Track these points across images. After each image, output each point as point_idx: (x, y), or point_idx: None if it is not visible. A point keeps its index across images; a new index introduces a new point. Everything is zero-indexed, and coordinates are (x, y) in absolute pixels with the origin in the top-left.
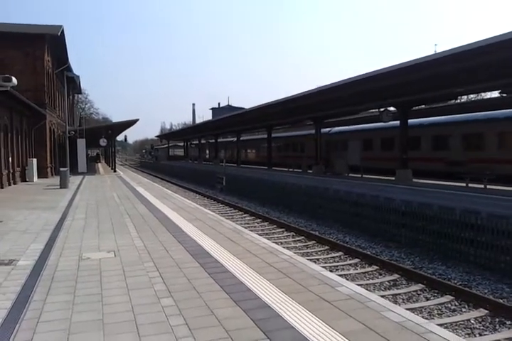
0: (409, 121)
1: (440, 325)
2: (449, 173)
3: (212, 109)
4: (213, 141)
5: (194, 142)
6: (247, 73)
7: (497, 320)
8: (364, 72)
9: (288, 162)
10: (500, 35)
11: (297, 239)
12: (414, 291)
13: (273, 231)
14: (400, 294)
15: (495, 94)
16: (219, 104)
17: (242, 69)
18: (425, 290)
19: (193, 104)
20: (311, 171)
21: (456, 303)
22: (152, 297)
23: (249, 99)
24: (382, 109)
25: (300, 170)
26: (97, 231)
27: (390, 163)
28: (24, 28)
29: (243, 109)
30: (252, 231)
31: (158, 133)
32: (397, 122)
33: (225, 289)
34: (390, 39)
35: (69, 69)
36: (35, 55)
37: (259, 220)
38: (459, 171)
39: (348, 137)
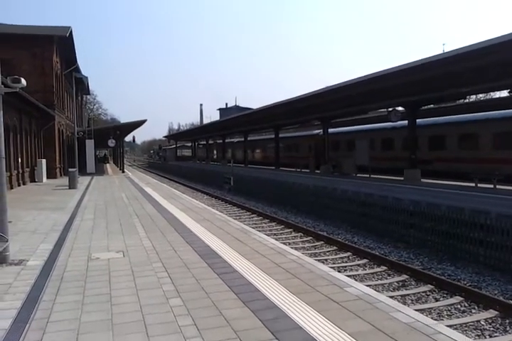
0: (387, 124)
1: (449, 326)
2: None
3: (220, 109)
4: (221, 141)
5: (202, 142)
6: (254, 73)
7: (507, 321)
8: (372, 72)
9: (295, 162)
10: (509, 34)
11: (305, 239)
12: (423, 292)
13: (281, 231)
14: (408, 295)
15: (504, 93)
16: (226, 104)
17: (249, 69)
18: (434, 291)
19: (201, 105)
20: (318, 171)
21: (466, 304)
22: (161, 297)
23: (256, 99)
24: (390, 109)
25: (308, 170)
26: (106, 231)
27: (383, 162)
28: (33, 29)
29: (251, 109)
30: (259, 231)
31: (166, 133)
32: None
33: (234, 289)
34: (398, 38)
35: (77, 70)
36: (43, 56)
37: (266, 220)
38: (427, 168)
39: (340, 138)
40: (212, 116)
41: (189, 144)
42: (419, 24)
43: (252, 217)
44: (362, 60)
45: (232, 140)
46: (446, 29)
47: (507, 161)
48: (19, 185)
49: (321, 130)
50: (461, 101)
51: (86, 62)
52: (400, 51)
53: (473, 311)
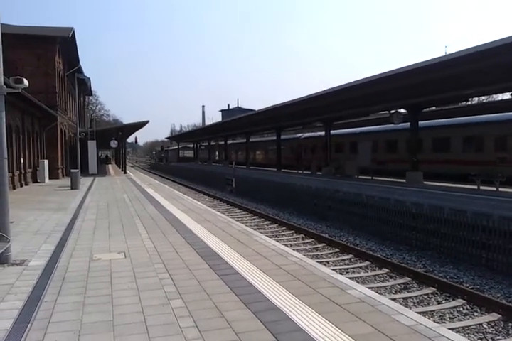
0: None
1: (452, 329)
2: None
3: (222, 110)
4: (223, 142)
5: (204, 144)
6: (256, 74)
7: (510, 324)
8: (374, 73)
9: (297, 163)
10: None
11: (307, 241)
12: (425, 295)
13: (282, 233)
14: (410, 297)
15: (506, 95)
16: (228, 105)
17: (251, 70)
18: (436, 293)
19: (203, 106)
20: (320, 173)
21: (468, 307)
22: (162, 298)
23: (258, 100)
24: (392, 111)
25: (309, 172)
26: (108, 232)
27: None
28: (36, 30)
29: (253, 110)
30: (261, 233)
31: (168, 134)
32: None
33: (235, 291)
34: (400, 40)
35: (80, 71)
36: (46, 57)
37: (268, 222)
38: (387, 168)
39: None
40: (214, 117)
41: (191, 145)
42: (423, 24)
43: (254, 219)
44: (365, 61)
45: (234, 141)
46: (449, 30)
47: (475, 163)
48: (21, 186)
49: (302, 134)
50: (463, 103)
51: (88, 63)
52: (403, 52)
53: (476, 314)
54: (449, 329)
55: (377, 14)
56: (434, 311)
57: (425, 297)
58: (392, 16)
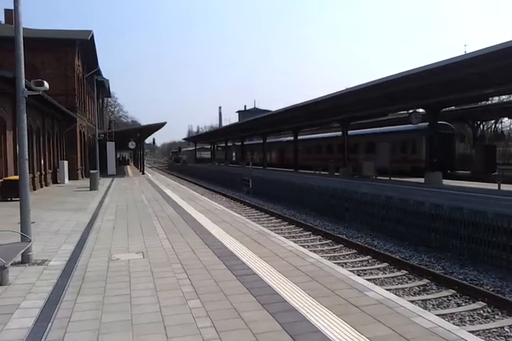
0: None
1: (472, 332)
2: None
3: (239, 111)
4: (240, 143)
5: (221, 145)
6: (274, 76)
7: None
8: (392, 74)
9: (314, 164)
10: None
11: (324, 242)
12: (444, 297)
13: (299, 234)
14: (429, 299)
15: None
16: (245, 106)
17: (269, 71)
18: (456, 295)
19: (220, 107)
20: (338, 173)
21: (489, 310)
22: (180, 298)
23: (276, 101)
24: (411, 111)
25: (327, 173)
26: (126, 232)
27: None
28: (55, 33)
29: (269, 111)
30: (278, 233)
31: (185, 135)
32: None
33: (252, 292)
34: (419, 40)
35: (98, 73)
36: (66, 59)
37: (285, 223)
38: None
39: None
40: (231, 118)
41: (208, 146)
42: (444, 23)
43: (271, 220)
44: (384, 62)
45: (251, 142)
46: (469, 29)
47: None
48: (42, 186)
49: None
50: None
51: (107, 65)
52: (424, 52)
53: (497, 317)
54: (470, 332)
55: (399, 16)
56: (453, 313)
57: (444, 299)
58: (412, 16)
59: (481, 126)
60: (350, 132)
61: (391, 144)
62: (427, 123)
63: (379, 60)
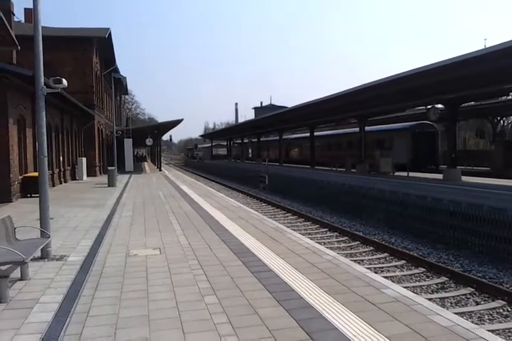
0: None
1: (491, 331)
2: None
3: (255, 108)
4: (256, 140)
5: (237, 141)
6: (292, 71)
7: None
8: (410, 69)
9: (331, 161)
10: None
11: (341, 239)
12: (463, 295)
13: (316, 231)
14: (447, 297)
15: None
16: (261, 103)
17: (287, 66)
18: (475, 294)
19: (236, 104)
20: (354, 170)
21: (509, 309)
22: (196, 294)
23: (292, 98)
24: (429, 106)
25: (343, 169)
26: (144, 228)
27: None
28: (73, 31)
29: (286, 108)
30: (294, 230)
31: (201, 132)
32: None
33: (268, 288)
34: (437, 36)
35: (116, 70)
36: (84, 57)
37: (301, 219)
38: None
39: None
40: (247, 115)
41: (224, 143)
42: (464, 17)
43: (287, 216)
44: (401, 59)
45: (267, 138)
46: (491, 23)
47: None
48: (60, 183)
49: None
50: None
51: (124, 62)
52: (445, 45)
53: None
54: (489, 331)
55: (416, 13)
56: (472, 312)
57: (463, 297)
58: (432, 13)
59: (501, 121)
60: (347, 130)
61: (379, 141)
62: (412, 123)
63: (397, 56)
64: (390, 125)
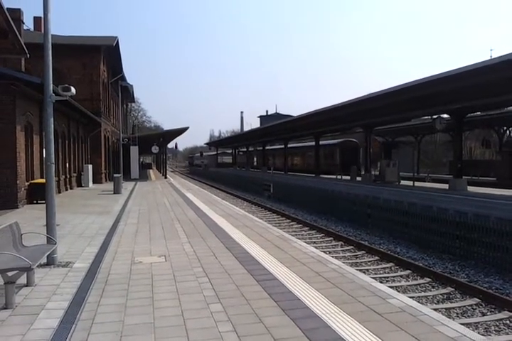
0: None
1: None
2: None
3: (261, 116)
4: (261, 148)
5: (242, 149)
6: (298, 80)
7: None
8: (416, 79)
9: (337, 169)
10: None
11: (346, 248)
12: (469, 305)
13: (321, 239)
14: (453, 308)
15: None
16: (267, 111)
17: (291, 76)
18: (481, 304)
19: (241, 112)
20: (359, 179)
21: None
22: (201, 302)
23: (297, 107)
24: (435, 116)
25: (348, 178)
26: (149, 236)
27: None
28: (82, 39)
29: (291, 116)
30: (299, 239)
31: (207, 140)
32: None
33: (273, 297)
34: (446, 43)
35: (123, 78)
36: (92, 65)
37: (306, 228)
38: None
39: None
40: (252, 123)
41: (229, 151)
42: (471, 28)
43: (292, 225)
44: (408, 67)
45: (272, 147)
46: (496, 34)
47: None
48: (66, 190)
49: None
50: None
51: (131, 70)
52: (449, 56)
53: None
54: None
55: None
56: (478, 323)
57: (469, 308)
58: (438, 21)
59: (508, 131)
60: (292, 145)
61: (323, 153)
62: (340, 140)
63: (411, 62)
64: (329, 141)
